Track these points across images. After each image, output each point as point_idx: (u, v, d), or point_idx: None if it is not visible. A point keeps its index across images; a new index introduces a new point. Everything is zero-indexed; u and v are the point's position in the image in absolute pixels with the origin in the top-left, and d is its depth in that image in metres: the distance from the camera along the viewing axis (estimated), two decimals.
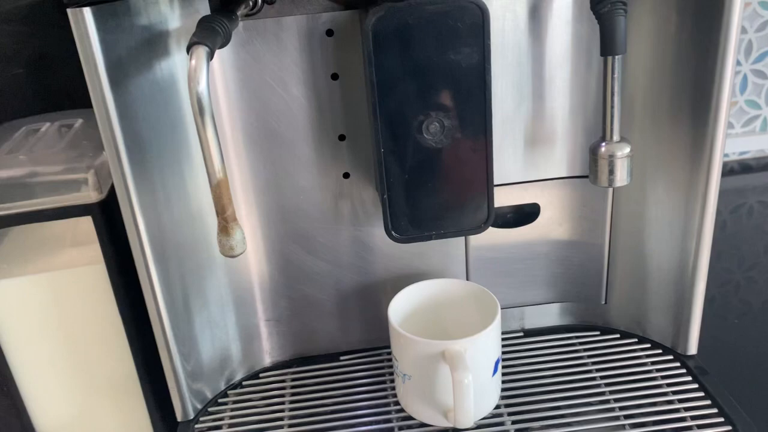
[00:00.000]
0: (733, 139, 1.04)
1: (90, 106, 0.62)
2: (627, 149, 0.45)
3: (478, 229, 0.46)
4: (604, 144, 0.46)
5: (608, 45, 0.42)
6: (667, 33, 0.48)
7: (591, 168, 0.47)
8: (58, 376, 0.57)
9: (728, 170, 1.04)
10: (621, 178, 0.46)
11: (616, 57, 0.43)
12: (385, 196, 0.45)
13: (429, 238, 0.46)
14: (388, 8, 0.40)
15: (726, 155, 1.05)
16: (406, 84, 0.42)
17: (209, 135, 0.40)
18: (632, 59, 0.48)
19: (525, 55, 0.50)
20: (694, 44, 0.47)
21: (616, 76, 0.43)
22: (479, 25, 0.41)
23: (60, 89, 0.72)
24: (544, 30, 0.49)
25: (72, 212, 0.52)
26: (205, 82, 0.39)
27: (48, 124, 0.63)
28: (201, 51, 0.39)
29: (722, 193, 0.98)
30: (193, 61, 0.39)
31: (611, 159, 0.45)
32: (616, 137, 0.45)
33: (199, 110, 0.39)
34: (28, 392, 0.57)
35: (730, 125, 1.03)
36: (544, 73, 0.50)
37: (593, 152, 0.46)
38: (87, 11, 0.40)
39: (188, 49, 0.39)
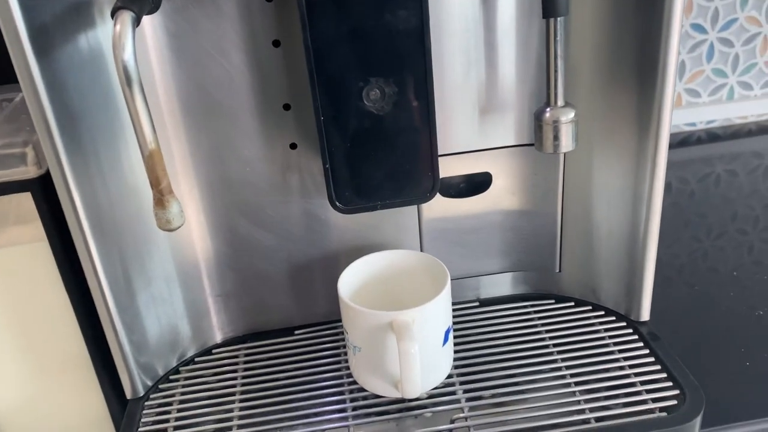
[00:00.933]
0: (700, 108, 1.04)
1: None
2: (572, 114, 0.45)
3: (424, 198, 0.45)
4: (548, 109, 0.45)
5: (549, 6, 0.41)
6: None
7: (536, 134, 0.46)
8: (6, 357, 0.56)
9: (695, 139, 1.04)
10: (566, 144, 0.45)
11: (558, 19, 0.42)
12: (327, 166, 0.44)
13: (374, 208, 0.46)
14: None
15: (693, 124, 1.05)
16: (344, 49, 0.41)
17: (138, 105, 0.39)
18: (576, 21, 0.47)
19: (472, 21, 0.48)
20: (639, 5, 0.46)
21: (558, 39, 0.42)
22: None
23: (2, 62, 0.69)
24: None
25: (10, 188, 0.51)
26: (131, 49, 0.37)
27: None
28: (126, 16, 0.37)
29: (689, 162, 0.98)
30: (118, 27, 0.37)
31: (556, 125, 0.45)
32: (560, 102, 0.45)
33: (126, 79, 0.38)
34: None
35: (696, 94, 1.02)
36: (492, 38, 0.49)
37: (537, 118, 0.45)
38: None
39: (112, 15, 0.38)
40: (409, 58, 0.41)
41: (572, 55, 0.48)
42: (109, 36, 0.44)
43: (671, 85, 0.47)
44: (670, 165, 0.94)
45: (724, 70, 1.01)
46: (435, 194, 0.46)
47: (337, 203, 0.45)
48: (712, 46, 0.99)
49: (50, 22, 0.41)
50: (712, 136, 1.05)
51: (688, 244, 0.74)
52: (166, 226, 0.42)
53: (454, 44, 0.49)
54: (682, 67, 0.99)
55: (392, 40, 0.41)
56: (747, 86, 1.03)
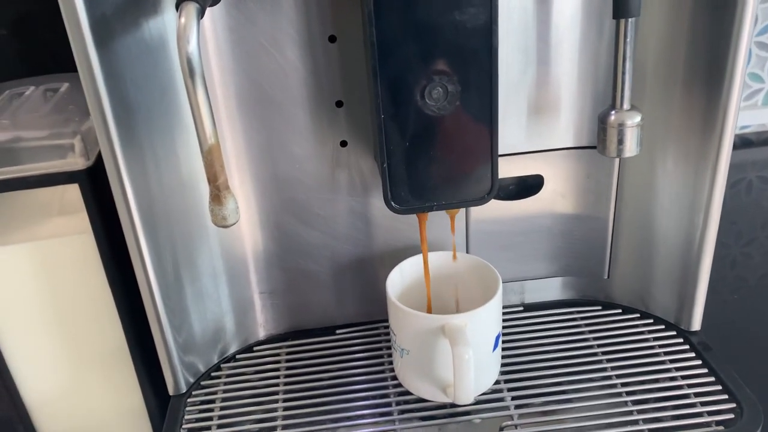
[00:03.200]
0: None
1: (76, 69, 0.59)
2: (637, 118, 0.43)
3: (481, 200, 0.44)
4: (613, 112, 0.44)
5: (621, 6, 0.40)
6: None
7: (599, 137, 0.45)
8: (46, 348, 0.56)
9: None
10: (630, 148, 0.44)
11: (630, 20, 0.40)
12: (385, 165, 0.43)
13: (430, 209, 0.45)
14: None
15: None
16: (409, 46, 0.40)
17: (200, 98, 0.38)
18: (645, 23, 0.46)
19: (532, 17, 0.47)
20: (711, 11, 0.45)
21: (628, 40, 0.41)
22: None
23: (45, 51, 0.69)
24: None
25: (58, 179, 0.50)
26: (196, 41, 0.36)
27: (33, 87, 0.61)
28: (191, 8, 0.37)
29: None
30: (183, 19, 0.36)
31: (621, 128, 0.43)
32: (626, 105, 0.43)
33: (189, 72, 0.37)
34: (15, 365, 0.56)
35: None
36: (551, 36, 0.48)
37: (602, 121, 0.44)
38: None
39: (177, 6, 0.37)
40: (474, 57, 0.40)
41: (639, 55, 0.47)
42: (168, 27, 0.44)
43: (737, 91, 0.46)
44: (753, 163, 0.93)
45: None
46: (492, 197, 0.45)
47: (393, 203, 0.44)
48: (749, 50, 0.97)
49: (111, 13, 0.41)
50: (745, 141, 1.03)
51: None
52: (221, 223, 0.41)
53: (512, 41, 0.48)
54: None
55: (459, 37, 0.39)
56: None
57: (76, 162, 0.50)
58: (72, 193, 0.51)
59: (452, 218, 0.50)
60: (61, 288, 0.54)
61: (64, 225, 0.54)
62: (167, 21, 0.44)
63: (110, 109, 0.42)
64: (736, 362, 0.52)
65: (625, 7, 0.40)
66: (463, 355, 0.44)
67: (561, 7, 0.47)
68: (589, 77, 0.49)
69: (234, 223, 0.42)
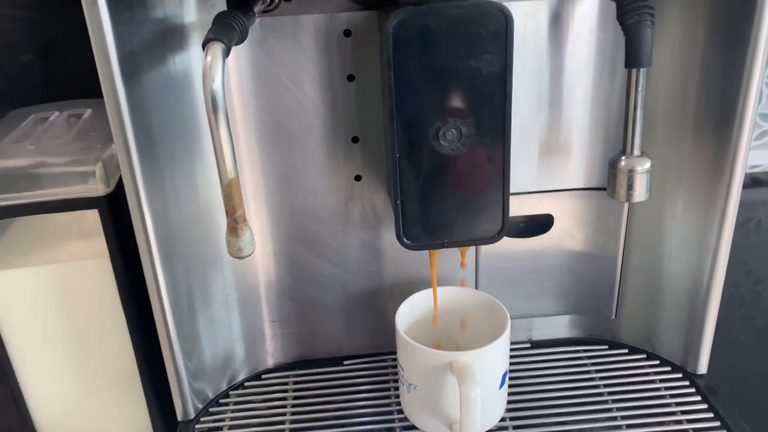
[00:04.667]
0: None
1: (100, 95, 0.61)
2: (647, 164, 0.44)
3: (492, 239, 0.45)
4: (624, 158, 0.45)
5: (634, 57, 0.41)
6: (693, 45, 0.47)
7: (609, 181, 0.46)
8: (57, 368, 0.57)
9: None
10: (639, 193, 0.45)
11: (641, 69, 0.42)
12: (398, 202, 0.44)
13: (441, 246, 0.45)
14: (409, 11, 0.39)
15: None
16: (425, 89, 0.41)
17: (222, 134, 0.39)
18: (656, 70, 0.47)
19: (546, 63, 0.49)
20: (721, 58, 0.46)
21: (640, 89, 0.42)
22: (503, 32, 0.39)
23: (69, 77, 0.71)
24: (567, 37, 0.48)
25: (78, 205, 0.51)
26: (220, 79, 0.38)
27: (57, 113, 0.62)
28: (217, 48, 0.38)
29: None
30: (209, 58, 0.38)
31: (631, 174, 0.44)
32: (636, 152, 0.44)
33: (213, 108, 0.38)
34: (26, 383, 0.57)
35: None
36: (564, 81, 0.49)
37: (613, 166, 0.45)
38: (101, 1, 0.39)
39: (204, 46, 0.38)
40: (489, 101, 0.41)
41: (649, 102, 0.48)
42: (193, 63, 0.45)
43: (747, 137, 0.47)
44: (764, 203, 0.93)
45: None
46: (502, 236, 0.45)
47: (405, 239, 0.45)
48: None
49: (139, 48, 0.42)
50: (755, 181, 1.04)
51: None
52: (237, 254, 0.42)
53: (526, 84, 0.49)
54: None
55: (474, 82, 0.41)
56: None
57: (97, 188, 0.51)
58: (90, 217, 0.53)
59: (463, 254, 0.51)
60: (76, 310, 0.55)
61: (82, 249, 0.56)
62: (192, 57, 0.45)
63: (134, 140, 0.43)
64: (742, 405, 0.52)
65: (637, 58, 0.41)
66: (471, 393, 0.44)
67: (575, 53, 0.48)
68: (600, 122, 0.50)
69: (249, 255, 0.43)
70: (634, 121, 0.43)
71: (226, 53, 0.39)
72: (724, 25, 0.45)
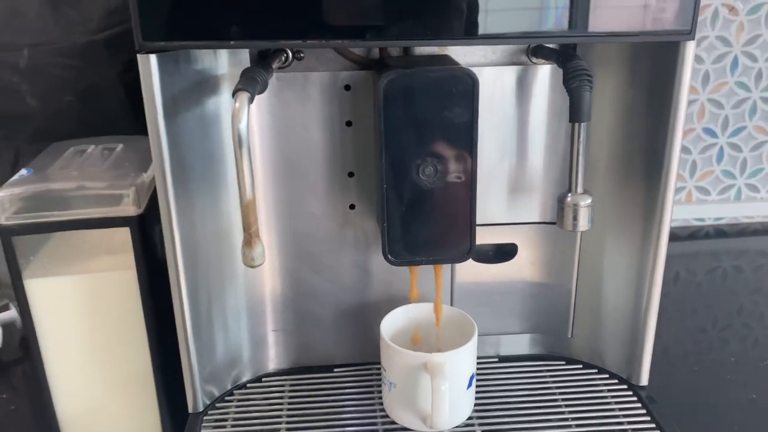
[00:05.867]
0: (709, 206, 1.13)
1: (129, 133, 0.71)
2: (589, 200, 0.54)
3: (462, 258, 0.55)
4: (569, 195, 0.55)
5: (575, 113, 0.52)
6: (625, 105, 0.58)
7: (558, 214, 0.56)
8: (82, 367, 0.63)
9: (704, 234, 1.13)
10: (583, 224, 0.55)
11: (582, 124, 0.52)
12: (385, 225, 0.53)
13: (420, 263, 0.55)
14: (397, 72, 0.50)
15: (702, 219, 1.14)
16: (408, 133, 0.51)
17: (245, 164, 0.49)
18: (596, 124, 0.58)
19: (509, 118, 0.59)
20: (648, 116, 0.56)
21: (581, 139, 0.53)
22: (470, 91, 0.50)
23: (103, 117, 0.81)
24: (526, 97, 0.59)
25: (114, 223, 0.60)
26: (246, 121, 0.48)
27: (93, 146, 0.71)
28: (244, 96, 0.48)
29: (698, 255, 1.05)
30: (237, 104, 0.48)
31: (575, 207, 0.54)
32: (579, 189, 0.54)
33: (239, 144, 0.48)
34: (54, 383, 0.64)
35: (706, 192, 1.12)
36: (524, 133, 0.60)
37: (560, 201, 0.55)
38: (153, 57, 0.50)
39: (233, 94, 0.49)
40: (459, 145, 0.51)
41: (591, 152, 0.58)
42: (221, 106, 0.56)
43: (673, 184, 0.57)
44: (679, 256, 1.03)
45: (732, 172, 1.11)
46: (470, 257, 0.55)
47: (389, 256, 0.54)
48: (722, 150, 1.09)
49: (179, 93, 0.53)
50: (719, 232, 1.13)
51: (693, 333, 0.81)
52: (250, 263, 0.52)
53: (493, 136, 0.60)
54: (693, 166, 1.09)
55: (447, 129, 0.51)
56: (754, 188, 1.13)
57: (129, 209, 0.60)
58: (118, 235, 0.61)
59: (437, 272, 0.60)
60: (102, 316, 0.62)
61: (110, 262, 0.63)
62: (221, 102, 0.56)
63: (170, 168, 0.53)
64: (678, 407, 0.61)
65: (578, 114, 0.52)
66: (440, 386, 0.53)
67: (532, 110, 0.59)
68: (555, 165, 0.61)
69: (260, 265, 0.52)
70: (577, 164, 0.53)
71: (251, 100, 0.49)
72: (651, 90, 0.56)
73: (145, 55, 0.49)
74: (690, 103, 1.03)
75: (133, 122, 0.77)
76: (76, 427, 0.66)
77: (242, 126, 0.48)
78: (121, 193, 0.60)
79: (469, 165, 0.52)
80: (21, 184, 0.61)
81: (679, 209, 1.12)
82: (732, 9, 1.00)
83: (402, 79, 0.50)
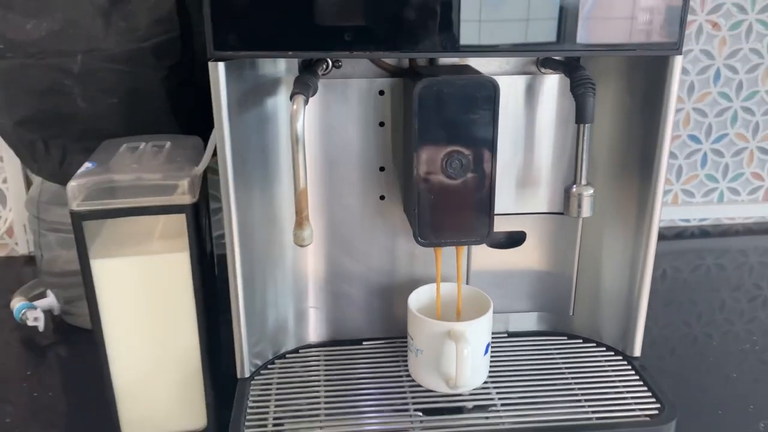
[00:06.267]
0: (693, 207, 1.22)
1: (171, 132, 0.78)
2: (591, 190, 0.63)
3: (482, 240, 0.64)
4: (574, 186, 0.64)
5: (581, 116, 0.61)
6: (623, 111, 0.67)
7: (564, 203, 0.64)
8: (136, 342, 0.69)
9: (689, 234, 1.22)
10: (586, 210, 0.64)
11: (586, 125, 0.61)
12: (416, 211, 0.62)
13: (445, 244, 0.64)
14: (430, 80, 0.59)
15: (687, 220, 1.23)
16: (438, 132, 0.60)
17: (300, 157, 0.57)
18: (600, 126, 0.67)
19: (521, 119, 0.68)
20: (643, 120, 0.66)
21: (585, 138, 0.62)
22: (492, 96, 0.59)
23: (145, 118, 0.88)
24: (535, 103, 0.68)
25: (172, 210, 0.66)
26: (302, 121, 0.56)
27: (143, 143, 0.79)
28: (300, 99, 0.57)
29: (683, 254, 1.14)
30: (295, 106, 0.56)
31: (580, 197, 0.63)
32: (584, 181, 0.63)
33: (296, 140, 0.56)
34: (112, 354, 0.70)
35: (691, 194, 1.21)
36: (533, 134, 0.69)
37: (566, 191, 0.64)
38: (221, 64, 0.58)
39: (291, 97, 0.57)
40: (482, 142, 0.60)
41: (594, 149, 0.68)
42: (279, 106, 0.65)
43: (663, 177, 0.66)
44: (666, 254, 1.12)
45: (715, 176, 1.20)
46: (489, 239, 0.64)
47: (420, 239, 0.63)
48: (705, 155, 1.18)
49: (242, 95, 0.61)
50: (704, 232, 1.22)
51: (678, 325, 0.89)
52: (300, 242, 0.60)
53: (506, 135, 0.69)
54: (679, 171, 1.18)
55: (472, 128, 0.60)
56: (735, 192, 1.22)
57: (184, 198, 0.68)
58: (171, 221, 0.69)
59: (459, 253, 0.69)
60: (156, 294, 0.68)
61: (163, 245, 0.70)
62: (278, 103, 0.64)
63: (231, 163, 0.61)
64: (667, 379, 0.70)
65: (583, 117, 0.61)
66: (464, 350, 0.61)
67: (542, 113, 0.68)
68: (562, 162, 0.70)
69: (308, 244, 0.60)
70: (581, 159, 0.62)
71: (306, 102, 0.57)
72: (645, 97, 0.65)
73: (214, 62, 0.58)
74: (676, 111, 1.12)
75: (173, 123, 0.84)
76: (130, 393, 0.71)
77: (299, 125, 0.56)
78: (177, 183, 0.68)
79: (490, 160, 0.61)
80: (88, 176, 0.68)
81: (666, 210, 1.21)
82: (715, 25, 1.09)
83: (434, 85, 0.59)
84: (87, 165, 0.72)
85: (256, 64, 0.62)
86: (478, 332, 0.65)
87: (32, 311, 0.88)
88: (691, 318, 0.91)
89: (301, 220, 0.59)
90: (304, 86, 0.58)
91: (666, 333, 0.87)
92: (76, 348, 0.87)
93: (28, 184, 1.10)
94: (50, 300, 0.91)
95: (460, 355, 0.62)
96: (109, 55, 0.83)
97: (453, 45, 0.57)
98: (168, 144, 0.78)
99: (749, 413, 0.71)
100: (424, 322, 0.65)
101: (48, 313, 0.90)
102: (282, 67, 0.64)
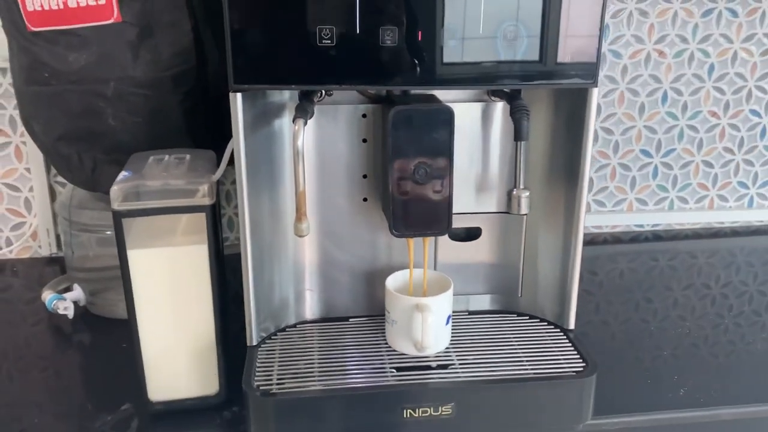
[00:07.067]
0: (646, 214, 1.36)
1: (190, 147, 0.93)
2: (527, 192, 0.81)
3: (443, 232, 0.80)
4: (515, 189, 0.81)
5: (518, 135, 0.78)
6: (552, 130, 0.85)
7: (508, 203, 0.82)
8: (161, 321, 0.78)
9: (644, 238, 1.33)
10: (524, 208, 0.81)
11: (522, 143, 0.79)
12: (391, 209, 0.79)
13: (415, 235, 0.81)
14: (401, 107, 0.76)
15: (641, 226, 1.36)
16: (408, 147, 0.77)
17: (300, 167, 0.74)
18: (535, 143, 0.85)
19: (476, 137, 0.86)
20: (568, 139, 0.83)
21: (522, 152, 0.79)
22: (449, 119, 0.76)
23: (164, 136, 1.02)
24: (488, 123, 0.86)
25: (195, 209, 0.78)
26: (302, 140, 0.73)
27: (167, 156, 0.93)
28: (301, 122, 0.74)
29: (639, 255, 1.30)
30: (296, 127, 0.73)
31: (519, 198, 0.81)
32: (521, 186, 0.81)
33: (297, 154, 0.73)
34: (143, 328, 0.79)
35: (644, 202, 1.34)
36: (487, 147, 0.87)
37: (509, 194, 0.82)
38: (239, 95, 0.75)
39: (294, 120, 0.74)
40: (442, 155, 0.77)
41: (531, 160, 0.85)
42: (284, 126, 0.81)
43: (586, 184, 0.83)
44: (624, 255, 1.26)
45: (666, 186, 1.34)
46: (449, 231, 0.81)
47: (394, 231, 0.79)
48: (656, 168, 1.31)
49: (255, 117, 0.78)
50: (656, 236, 1.33)
51: (630, 313, 1.03)
52: (299, 233, 0.76)
53: (464, 149, 0.86)
54: (633, 181, 1.32)
55: (434, 144, 0.77)
56: (684, 200, 1.34)
57: (205, 200, 0.82)
58: (192, 219, 0.83)
59: (425, 244, 0.85)
60: (180, 280, 0.76)
61: (185, 239, 0.83)
62: (283, 122, 0.81)
63: (245, 171, 0.77)
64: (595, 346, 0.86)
65: (519, 135, 0.78)
66: (428, 318, 0.78)
67: (492, 132, 0.86)
68: (508, 170, 0.87)
69: (306, 235, 0.76)
70: (519, 169, 0.80)
71: (305, 124, 0.74)
72: (570, 120, 0.83)
73: (234, 93, 0.75)
74: (629, 128, 1.27)
75: (188, 139, 0.97)
76: (156, 363, 0.79)
77: (299, 143, 0.73)
78: (198, 188, 0.83)
79: (448, 169, 0.78)
80: (126, 182, 0.83)
81: (621, 216, 1.35)
82: (661, 53, 1.24)
83: (404, 110, 0.76)
84: (124, 173, 0.86)
85: (266, 94, 0.79)
86: (440, 305, 0.82)
87: (62, 302, 1.01)
88: (645, 311, 1.03)
89: (300, 216, 0.76)
90: (303, 112, 0.75)
91: (618, 320, 1.02)
92: (102, 331, 0.99)
93: (52, 193, 1.23)
94: (77, 293, 1.03)
95: (425, 323, 0.78)
96: (137, 82, 0.94)
97: (421, 79, 0.74)
98: (188, 156, 0.92)
99: (673, 382, 0.84)
100: (398, 297, 0.82)
101: (75, 304, 1.01)
102: (286, 96, 0.81)
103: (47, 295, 1.03)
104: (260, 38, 0.70)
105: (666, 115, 1.27)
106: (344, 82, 0.73)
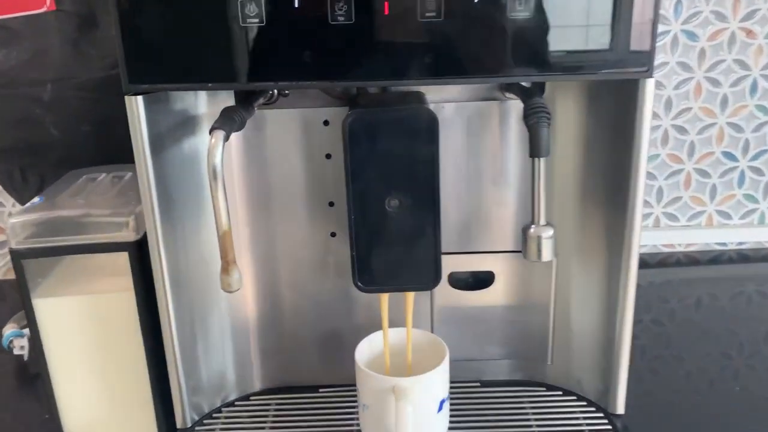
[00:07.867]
0: (732, 230, 1.13)
1: None
2: (551, 232, 0.56)
3: (428, 286, 0.57)
4: (533, 226, 0.56)
5: (534, 149, 0.54)
6: (588, 137, 0.60)
7: (523, 245, 0.57)
8: (85, 383, 0.68)
9: (727, 259, 1.12)
10: (546, 254, 0.56)
11: (540, 159, 0.54)
12: (354, 253, 0.56)
13: (388, 290, 0.58)
14: (357, 112, 0.54)
15: (724, 244, 1.14)
16: (373, 168, 0.54)
17: (219, 196, 0.53)
18: (561, 158, 0.60)
19: (485, 150, 0.63)
20: (612, 148, 0.58)
21: (541, 173, 0.54)
22: (431, 128, 0.53)
23: (116, 146, 0.86)
24: (500, 131, 0.62)
25: (114, 248, 0.64)
26: (220, 157, 0.52)
27: (104, 174, 0.77)
28: (219, 134, 0.52)
29: (721, 281, 1.03)
30: (212, 140, 0.52)
31: (539, 239, 0.56)
32: (542, 221, 0.56)
33: (213, 177, 0.52)
34: (60, 395, 0.68)
35: (726, 215, 1.11)
36: (499, 164, 0.63)
37: (524, 232, 0.57)
38: (140, 98, 0.54)
39: (210, 132, 0.53)
40: (422, 178, 0.54)
41: (559, 179, 0.61)
42: (201, 145, 0.60)
43: (639, 215, 0.58)
44: (701, 281, 1.02)
45: (755, 195, 1.10)
46: (437, 284, 0.57)
47: (359, 283, 0.57)
48: (742, 174, 1.09)
49: (164, 132, 0.57)
50: (743, 256, 1.12)
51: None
52: (227, 288, 0.55)
53: (466, 164, 0.62)
54: (713, 190, 1.09)
55: (410, 163, 0.54)
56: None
57: (129, 235, 0.65)
58: (122, 259, 0.66)
59: (407, 299, 0.62)
60: (103, 334, 0.67)
61: (113, 283, 0.68)
62: (202, 139, 0.60)
63: (156, 201, 0.57)
64: None
65: (537, 150, 0.54)
66: (404, 409, 0.55)
67: (508, 142, 0.62)
68: (528, 194, 0.62)
69: (237, 290, 0.55)
70: (538, 198, 0.55)
71: (226, 138, 0.53)
72: (614, 123, 0.58)
73: (132, 96, 0.54)
74: (708, 126, 1.05)
75: None
76: None
77: (217, 161, 0.52)
78: (122, 221, 0.65)
79: (432, 198, 0.55)
80: (32, 212, 0.67)
81: (699, 233, 1.12)
82: (750, 32, 0.99)
83: (364, 117, 0.53)
84: (35, 200, 0.71)
85: (178, 98, 0.58)
86: (428, 388, 0.59)
87: (19, 339, 0.87)
88: (732, 351, 0.80)
89: (226, 265, 0.55)
90: (226, 120, 0.54)
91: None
92: None
93: None
94: None
95: (401, 414, 0.55)
96: (78, 83, 0.83)
97: (399, 72, 0.51)
98: (128, 175, 0.76)
99: None
100: (368, 376, 0.59)
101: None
102: (204, 100, 0.60)
103: (8, 329, 0.90)
104: (161, 23, 0.50)
105: (755, 110, 1.05)
106: (278, 79, 0.52)
